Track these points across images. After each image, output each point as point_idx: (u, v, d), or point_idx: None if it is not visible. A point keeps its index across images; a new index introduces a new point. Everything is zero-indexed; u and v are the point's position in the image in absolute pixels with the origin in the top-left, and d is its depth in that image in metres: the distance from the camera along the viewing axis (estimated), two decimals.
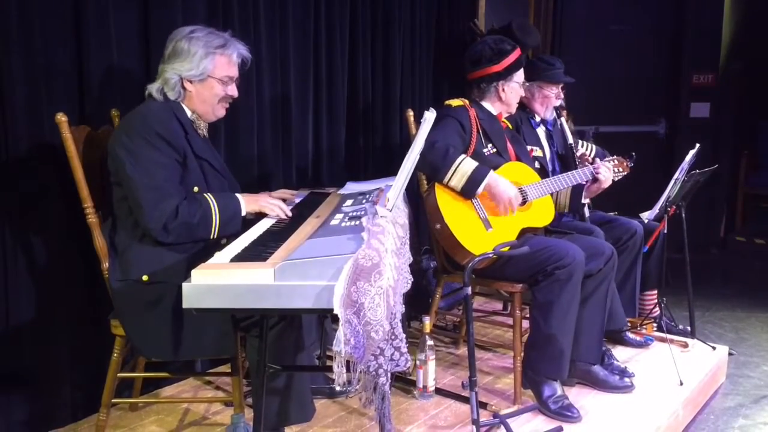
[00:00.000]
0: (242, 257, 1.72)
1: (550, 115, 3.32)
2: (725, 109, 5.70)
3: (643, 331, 3.29)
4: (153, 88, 2.20)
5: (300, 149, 3.36)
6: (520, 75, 2.93)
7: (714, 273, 5.17)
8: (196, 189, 2.15)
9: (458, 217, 2.60)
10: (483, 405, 2.66)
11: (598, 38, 5.47)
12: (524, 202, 2.76)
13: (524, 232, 2.75)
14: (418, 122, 1.89)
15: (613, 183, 2.98)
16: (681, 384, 2.85)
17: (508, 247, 2.29)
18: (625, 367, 2.91)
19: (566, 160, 3.25)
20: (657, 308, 3.29)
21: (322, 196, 2.50)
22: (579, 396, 2.75)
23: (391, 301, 1.62)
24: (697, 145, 3.17)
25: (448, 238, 2.59)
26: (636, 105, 5.61)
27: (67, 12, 2.39)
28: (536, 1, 5.13)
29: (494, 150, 2.84)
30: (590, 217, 3.19)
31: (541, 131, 3.32)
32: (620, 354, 3.14)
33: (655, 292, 3.41)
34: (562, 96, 3.32)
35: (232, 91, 2.28)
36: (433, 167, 2.63)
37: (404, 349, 1.71)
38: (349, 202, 2.27)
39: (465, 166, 2.61)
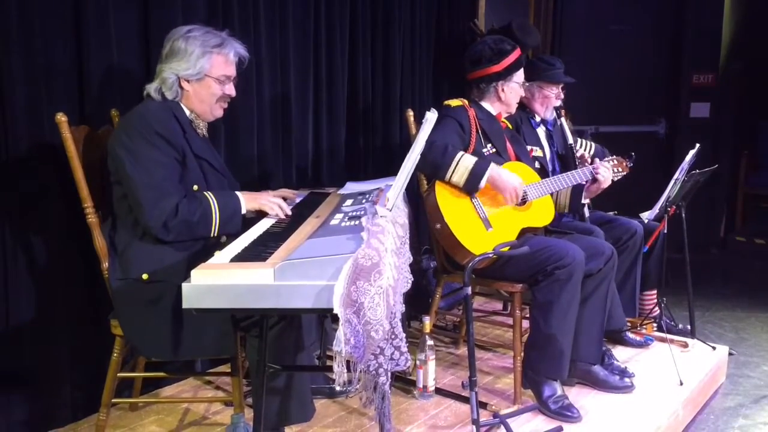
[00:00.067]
0: (242, 257, 1.72)
1: (551, 115, 3.32)
2: (725, 109, 5.70)
3: (643, 331, 3.29)
4: (151, 88, 2.20)
5: (300, 149, 3.36)
6: (519, 75, 2.93)
7: (714, 273, 5.17)
8: (195, 187, 2.16)
9: (458, 217, 2.60)
10: (483, 405, 2.66)
11: (598, 38, 5.47)
12: (524, 201, 2.76)
13: (524, 232, 2.75)
14: (418, 122, 1.90)
15: (612, 183, 2.98)
16: (681, 384, 2.85)
17: (508, 247, 2.29)
18: (625, 367, 2.91)
19: (566, 160, 3.25)
20: (657, 308, 3.29)
21: (322, 196, 2.50)
22: (579, 396, 2.75)
23: (391, 301, 1.62)
24: (697, 145, 3.17)
25: (448, 237, 2.59)
26: (636, 105, 5.61)
27: (67, 12, 2.39)
28: (536, 1, 5.13)
29: (494, 150, 2.84)
30: (590, 217, 3.19)
31: (541, 131, 3.32)
32: (620, 354, 3.14)
33: (655, 291, 3.42)
34: (562, 96, 3.32)
35: (230, 90, 2.28)
36: (434, 166, 2.63)
37: (404, 349, 1.71)
38: (348, 202, 2.27)
39: (466, 161, 2.61)
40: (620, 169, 3.01)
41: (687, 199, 3.28)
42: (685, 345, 3.27)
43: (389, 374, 1.69)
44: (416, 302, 3.39)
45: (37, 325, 2.39)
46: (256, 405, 1.94)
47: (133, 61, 2.60)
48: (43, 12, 2.31)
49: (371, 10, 3.66)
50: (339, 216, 2.03)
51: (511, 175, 2.67)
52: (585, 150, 3.48)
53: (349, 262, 1.55)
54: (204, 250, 2.10)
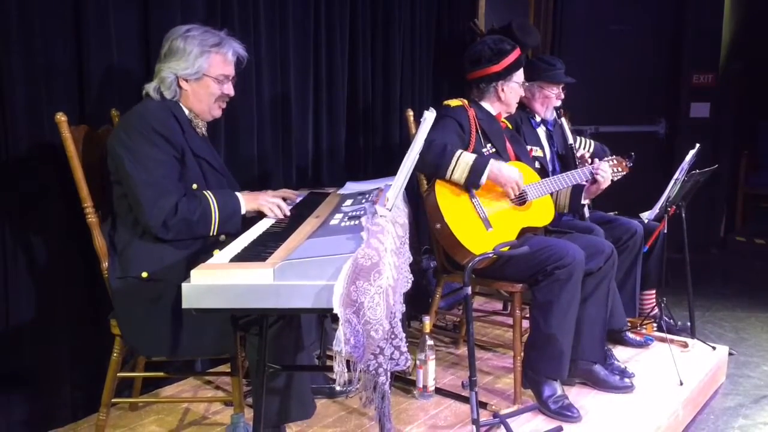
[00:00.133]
0: (242, 257, 1.72)
1: (551, 115, 3.32)
2: (725, 109, 5.70)
3: (643, 331, 3.29)
4: (150, 88, 2.21)
5: (300, 149, 3.36)
6: (519, 75, 2.94)
7: (714, 273, 5.17)
8: (195, 186, 2.16)
9: (458, 217, 2.60)
10: (483, 405, 2.66)
11: (598, 38, 5.47)
12: (524, 201, 2.76)
13: (524, 232, 2.75)
14: (417, 122, 1.89)
15: (612, 183, 2.98)
16: (681, 384, 2.85)
17: (507, 247, 2.29)
18: (625, 367, 2.91)
19: (566, 160, 3.25)
20: (656, 308, 3.29)
21: (322, 196, 2.50)
22: (579, 396, 2.75)
23: (391, 301, 1.62)
24: (697, 145, 3.17)
25: (448, 237, 2.59)
26: (636, 105, 5.61)
27: (67, 12, 2.39)
28: (536, 1, 5.13)
29: (493, 150, 2.84)
30: (590, 217, 3.19)
31: (541, 131, 3.32)
32: (620, 354, 3.13)
33: (654, 291, 3.42)
34: (562, 96, 3.32)
35: (228, 89, 2.28)
36: (434, 165, 2.63)
37: (404, 348, 1.71)
38: (348, 201, 2.27)
39: (465, 158, 2.62)
40: (620, 169, 3.01)
41: (687, 199, 3.28)
42: (685, 345, 3.27)
43: (389, 374, 1.69)
44: (416, 302, 3.40)
45: (37, 325, 2.39)
46: (256, 405, 1.94)
47: (132, 61, 2.60)
48: (43, 12, 2.31)
49: (371, 10, 3.66)
50: (339, 216, 2.03)
51: (511, 168, 2.67)
52: (584, 148, 3.48)
53: (349, 262, 1.55)
54: (204, 249, 2.10)
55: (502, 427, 2.29)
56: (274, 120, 3.20)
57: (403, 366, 1.71)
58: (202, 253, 2.07)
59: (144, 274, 2.07)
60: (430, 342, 2.73)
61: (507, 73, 2.88)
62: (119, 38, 2.52)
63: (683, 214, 3.26)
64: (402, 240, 2.01)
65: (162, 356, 2.28)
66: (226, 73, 2.25)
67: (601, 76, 5.30)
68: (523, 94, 3.06)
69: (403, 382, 2.85)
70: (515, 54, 2.90)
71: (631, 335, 3.29)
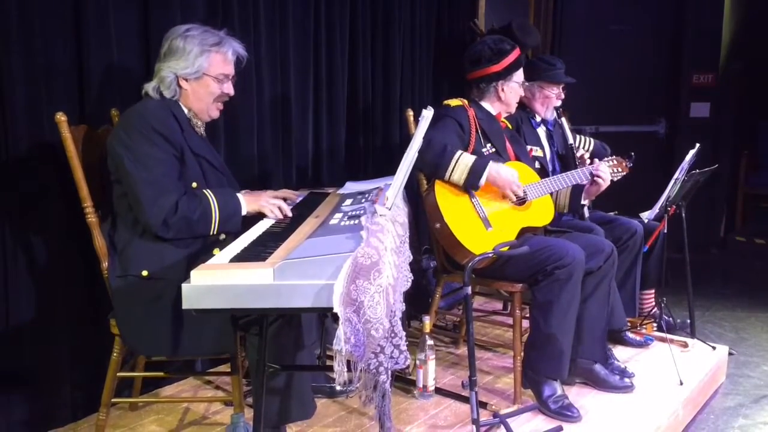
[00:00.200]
0: (242, 257, 1.72)
1: (551, 115, 3.32)
2: (725, 109, 5.69)
3: (643, 330, 3.29)
4: (149, 87, 2.21)
5: (300, 149, 3.36)
6: (519, 75, 2.94)
7: (714, 273, 5.17)
8: (194, 185, 2.16)
9: (458, 217, 2.60)
10: (483, 405, 2.66)
11: (598, 38, 5.47)
12: (524, 201, 2.76)
13: (524, 232, 2.75)
14: (417, 122, 1.89)
15: (612, 183, 2.98)
16: (681, 384, 2.85)
17: (507, 247, 2.29)
18: (625, 367, 2.91)
19: (566, 161, 3.25)
20: (655, 307, 3.29)
21: (322, 196, 2.50)
22: (579, 396, 2.75)
23: (391, 299, 1.62)
24: (697, 145, 3.17)
25: (448, 237, 2.59)
26: (636, 105, 5.61)
27: (67, 12, 2.39)
28: (536, 1, 5.13)
29: (493, 150, 2.84)
30: (590, 217, 3.19)
31: (541, 131, 3.32)
32: (620, 354, 3.13)
33: (653, 291, 3.42)
34: (563, 96, 3.32)
35: (228, 89, 2.29)
36: (433, 165, 2.63)
37: (404, 347, 1.71)
38: (348, 201, 2.27)
39: (465, 159, 2.62)
40: (620, 169, 3.01)
41: (687, 199, 3.28)
42: (685, 345, 3.27)
43: (389, 373, 1.69)
44: (416, 302, 3.40)
45: (37, 325, 2.39)
46: (256, 404, 1.93)
47: (132, 61, 2.60)
48: (43, 12, 2.31)
49: (371, 10, 3.66)
50: (338, 215, 2.04)
51: (510, 171, 2.67)
52: (584, 146, 3.48)
53: (349, 261, 1.55)
54: (204, 249, 2.11)
55: (502, 427, 2.29)
56: (274, 120, 3.20)
57: (402, 365, 1.71)
58: (202, 252, 2.07)
59: (144, 273, 2.08)
60: (430, 342, 2.73)
61: (507, 73, 2.88)
62: (119, 38, 2.53)
63: (683, 214, 3.26)
64: (402, 239, 2.01)
65: (162, 356, 2.28)
66: (226, 72, 2.25)
67: (601, 76, 5.30)
68: (523, 94, 3.06)
69: (403, 381, 2.85)
70: (515, 54, 2.90)
71: (631, 335, 3.29)
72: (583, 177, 2.90)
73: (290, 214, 2.21)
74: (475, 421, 2.13)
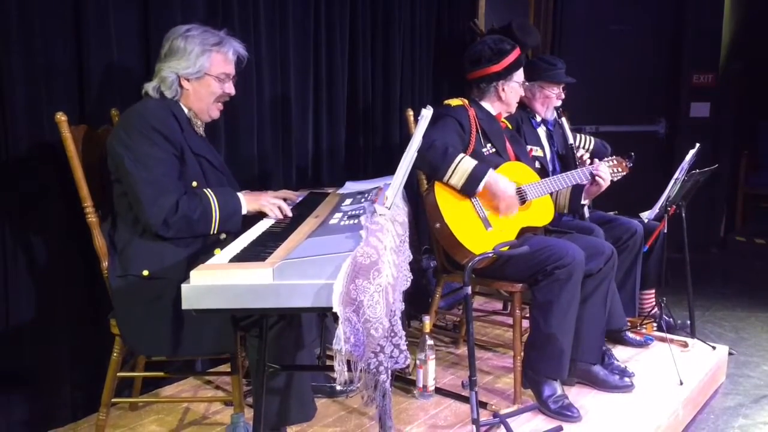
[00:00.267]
0: (241, 257, 1.72)
1: (551, 115, 3.32)
2: (725, 109, 5.70)
3: (643, 330, 3.29)
4: (149, 87, 2.21)
5: (300, 149, 3.36)
6: (519, 75, 2.94)
7: (714, 273, 5.17)
8: (194, 184, 2.16)
9: (458, 217, 2.60)
10: (483, 404, 2.66)
11: (598, 38, 5.47)
12: (523, 201, 2.76)
13: (524, 232, 2.75)
14: (417, 122, 1.89)
15: (612, 183, 2.98)
16: (681, 384, 2.85)
17: (507, 247, 2.29)
18: (625, 367, 2.91)
19: (566, 160, 3.25)
20: (655, 307, 3.29)
21: (322, 195, 2.50)
22: (579, 396, 2.75)
23: (391, 299, 1.62)
24: (697, 145, 3.17)
25: (448, 237, 2.59)
26: (636, 105, 5.61)
27: (67, 12, 2.39)
28: (536, 1, 5.13)
29: (493, 150, 2.84)
30: (590, 217, 3.19)
31: (541, 131, 3.32)
32: (620, 354, 3.14)
33: (653, 291, 3.42)
34: (563, 96, 3.32)
35: (229, 88, 2.29)
36: (433, 166, 2.63)
37: (404, 347, 1.71)
38: (348, 201, 2.27)
39: (465, 164, 2.61)
40: (620, 169, 3.01)
41: (687, 199, 3.28)
42: (685, 345, 3.27)
43: (389, 372, 1.69)
44: (416, 302, 3.40)
45: (37, 325, 2.39)
46: (256, 404, 1.94)
47: (133, 61, 2.60)
48: (43, 12, 2.31)
49: (371, 10, 3.66)
50: (338, 215, 2.04)
51: (508, 183, 2.65)
52: (584, 145, 3.49)
53: (348, 261, 1.55)
54: (204, 248, 2.11)
55: (502, 426, 2.29)
56: (274, 120, 3.20)
57: (402, 364, 1.71)
58: (202, 252, 2.07)
59: (145, 273, 2.08)
60: (430, 342, 2.73)
61: (507, 73, 2.88)
62: (119, 38, 2.53)
63: (683, 214, 3.26)
64: (402, 238, 2.01)
65: (162, 356, 2.28)
66: (227, 71, 2.26)
67: (601, 76, 5.30)
68: (524, 94, 3.06)
69: (403, 381, 2.85)
70: (515, 54, 2.90)
71: (631, 335, 3.29)
72: (583, 177, 2.90)
73: (290, 214, 2.21)
74: (475, 421, 2.13)
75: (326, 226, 1.93)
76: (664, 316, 3.28)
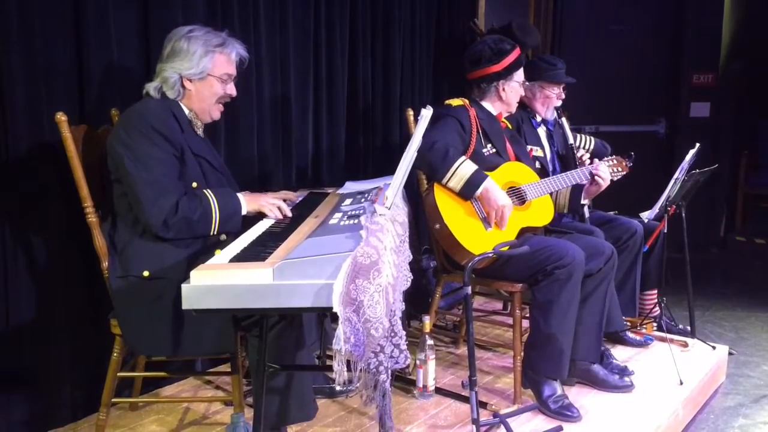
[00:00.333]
0: (241, 257, 1.72)
1: (551, 115, 3.32)
2: (725, 109, 5.69)
3: (643, 330, 3.29)
4: (151, 87, 2.21)
5: (300, 149, 3.36)
6: (520, 74, 2.94)
7: (714, 273, 5.17)
8: (195, 185, 2.16)
9: (457, 217, 2.60)
10: (483, 404, 2.66)
11: (598, 38, 5.47)
12: (523, 201, 2.76)
13: (524, 232, 2.75)
14: (417, 122, 1.89)
15: (612, 183, 2.98)
16: (681, 383, 2.85)
17: (507, 247, 2.29)
18: (625, 366, 2.91)
19: (567, 161, 3.25)
20: (657, 308, 3.29)
21: (322, 195, 2.50)
22: (579, 395, 2.75)
23: (391, 299, 1.62)
24: (697, 145, 3.17)
25: (448, 238, 2.59)
26: (636, 105, 5.61)
27: (67, 12, 2.39)
28: (536, 1, 5.13)
29: (493, 150, 2.84)
30: (590, 217, 3.19)
31: (541, 131, 3.32)
32: (620, 354, 3.14)
33: (655, 291, 3.41)
34: (563, 96, 3.32)
35: (231, 89, 2.29)
36: (432, 167, 2.63)
37: (404, 347, 1.71)
38: (348, 201, 2.27)
39: (463, 169, 2.60)
40: (620, 169, 3.01)
41: (687, 199, 3.28)
42: (685, 344, 3.27)
43: (389, 372, 1.69)
44: (416, 302, 3.40)
45: (37, 325, 2.39)
46: (256, 404, 1.94)
47: (133, 61, 2.60)
48: (43, 12, 2.31)
49: (371, 10, 3.66)
50: (338, 215, 2.04)
51: (503, 197, 2.62)
52: (584, 145, 3.48)
53: (348, 261, 1.56)
54: (204, 249, 2.10)
55: (502, 426, 2.29)
56: (274, 120, 3.20)
57: (402, 364, 1.71)
58: (202, 253, 2.07)
59: (145, 273, 2.08)
60: (430, 342, 2.73)
61: (507, 73, 2.88)
62: (119, 38, 2.53)
63: (683, 214, 3.25)
64: (402, 238, 2.01)
65: (162, 356, 2.28)
66: (229, 72, 2.27)
67: (601, 76, 5.30)
68: (524, 94, 3.06)
69: (403, 381, 2.85)
70: (515, 53, 2.90)
71: (631, 335, 3.29)
72: (583, 177, 2.90)
73: (290, 214, 2.21)
74: (475, 421, 2.13)
75: (326, 226, 1.93)
76: (664, 317, 3.28)
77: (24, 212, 2.34)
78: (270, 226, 2.11)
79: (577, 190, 2.97)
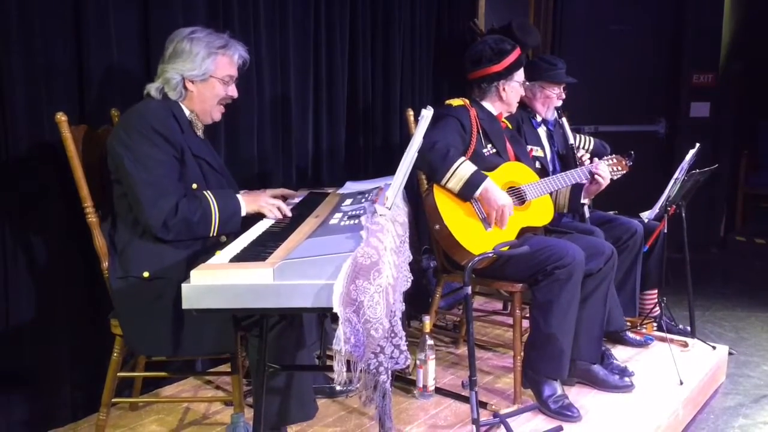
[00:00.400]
0: (241, 257, 1.72)
1: (552, 115, 3.32)
2: (725, 109, 5.70)
3: (643, 330, 3.29)
4: (152, 88, 2.21)
5: (300, 149, 3.36)
6: (520, 74, 2.94)
7: (714, 273, 5.17)
8: (194, 186, 2.16)
9: (457, 218, 2.60)
10: (483, 404, 2.66)
11: (598, 38, 5.47)
12: (523, 201, 2.76)
13: (524, 232, 2.75)
14: (417, 122, 1.89)
15: (612, 182, 2.98)
16: (681, 383, 2.85)
17: (507, 247, 2.29)
18: (625, 367, 2.91)
19: (567, 161, 3.25)
20: (657, 308, 3.29)
21: (322, 195, 2.50)
22: (579, 395, 2.75)
23: (391, 299, 1.62)
24: (697, 145, 3.17)
25: (447, 238, 2.59)
26: (636, 105, 5.61)
27: (67, 12, 2.39)
28: (536, 1, 5.13)
29: (494, 150, 2.84)
30: (590, 217, 3.19)
31: (542, 131, 3.32)
32: (620, 354, 3.14)
33: (656, 291, 3.41)
34: (563, 96, 3.32)
35: (233, 91, 2.30)
36: (432, 168, 2.63)
37: (404, 347, 1.71)
38: (348, 201, 2.27)
39: (463, 170, 2.60)
40: (619, 168, 3.01)
41: (687, 199, 3.28)
42: (685, 344, 3.27)
43: (389, 372, 1.69)
44: (416, 302, 3.40)
45: (37, 325, 2.39)
46: (256, 404, 1.94)
47: (133, 61, 2.60)
48: (43, 12, 2.31)
49: (371, 10, 3.66)
50: (338, 215, 2.04)
51: (503, 197, 2.62)
52: (584, 146, 3.48)
53: (349, 261, 1.56)
54: (204, 249, 2.10)
55: (502, 426, 2.29)
56: (274, 120, 3.20)
57: (402, 365, 1.71)
58: (202, 253, 2.07)
59: (145, 274, 2.08)
60: (430, 342, 2.73)
61: (508, 73, 2.88)
62: (119, 38, 2.53)
63: (683, 214, 3.25)
64: (402, 238, 2.01)
65: (162, 356, 2.28)
66: (231, 74, 2.27)
67: (601, 76, 5.30)
68: (524, 94, 3.06)
69: (403, 381, 2.85)
70: (516, 53, 2.90)
71: (631, 335, 3.29)
72: (583, 176, 2.90)
73: (290, 214, 2.21)
74: (475, 421, 2.13)
75: (326, 226, 1.93)
76: (664, 317, 3.28)
77: (24, 212, 2.34)
78: (270, 226, 2.11)
79: (576, 189, 2.97)
